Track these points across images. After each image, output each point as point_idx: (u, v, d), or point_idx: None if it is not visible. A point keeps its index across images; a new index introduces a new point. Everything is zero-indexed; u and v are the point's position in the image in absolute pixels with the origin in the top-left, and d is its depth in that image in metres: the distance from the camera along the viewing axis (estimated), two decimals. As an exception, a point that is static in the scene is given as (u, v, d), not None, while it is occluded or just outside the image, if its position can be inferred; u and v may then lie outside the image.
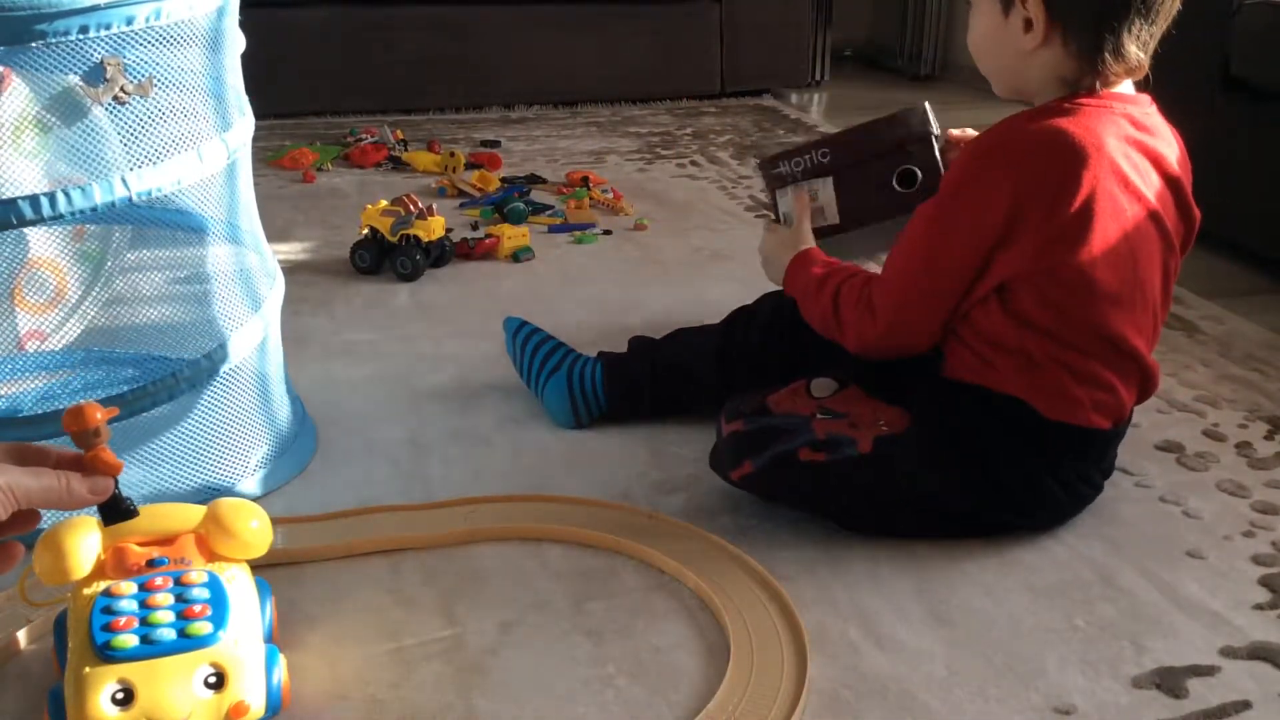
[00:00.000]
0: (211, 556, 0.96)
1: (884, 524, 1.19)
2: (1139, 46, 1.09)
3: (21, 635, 1.02)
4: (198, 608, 0.90)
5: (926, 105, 1.33)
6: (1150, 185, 1.12)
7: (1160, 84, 1.17)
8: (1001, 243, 1.10)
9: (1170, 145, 1.15)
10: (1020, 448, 1.15)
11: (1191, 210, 1.17)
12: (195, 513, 0.97)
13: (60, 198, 1.03)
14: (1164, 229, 1.13)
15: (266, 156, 2.57)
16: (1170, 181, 1.14)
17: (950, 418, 1.17)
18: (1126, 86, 1.14)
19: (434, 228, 1.92)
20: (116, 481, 0.86)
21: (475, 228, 2.14)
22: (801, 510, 1.21)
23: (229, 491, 1.21)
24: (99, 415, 0.83)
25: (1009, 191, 1.08)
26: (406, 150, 2.63)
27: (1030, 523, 1.19)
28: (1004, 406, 1.15)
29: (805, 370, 1.28)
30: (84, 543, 0.90)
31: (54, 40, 1.00)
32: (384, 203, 1.97)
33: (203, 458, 1.22)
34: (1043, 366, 1.13)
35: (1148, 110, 1.14)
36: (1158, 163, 1.13)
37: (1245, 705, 0.97)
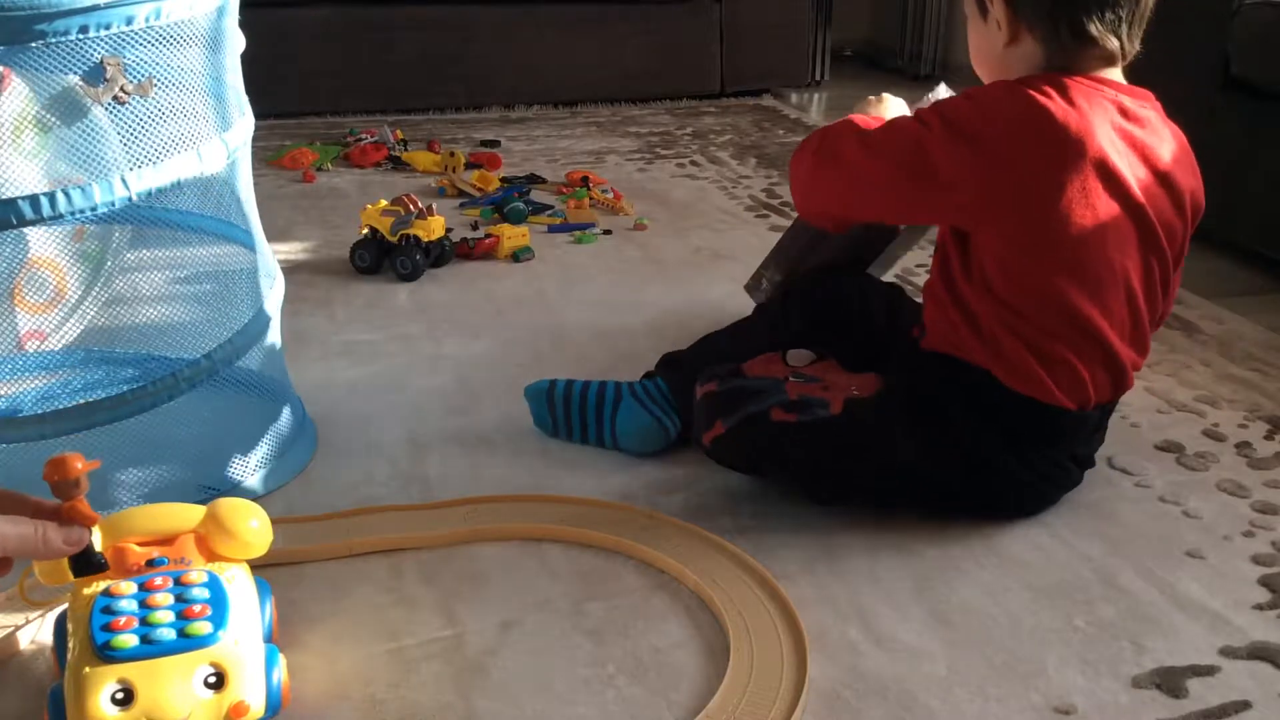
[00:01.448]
0: (211, 556, 0.97)
1: (855, 489, 1.21)
2: (1104, 29, 1.11)
3: (21, 635, 1.02)
4: (198, 608, 0.90)
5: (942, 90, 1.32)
6: (1135, 176, 1.12)
7: (1160, 84, 1.16)
8: (966, 196, 1.12)
9: (1164, 141, 1.15)
10: (980, 416, 1.17)
11: (1185, 206, 1.17)
12: (195, 513, 0.98)
13: (60, 198, 1.03)
14: (1146, 222, 1.13)
15: (266, 156, 2.57)
16: (1160, 176, 1.14)
17: (918, 383, 1.20)
18: (1116, 75, 1.14)
19: (434, 228, 1.92)
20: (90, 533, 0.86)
21: (475, 228, 2.14)
22: (770, 478, 1.23)
23: (229, 491, 1.21)
24: (79, 466, 0.84)
25: (984, 161, 1.10)
26: (406, 150, 2.63)
27: (997, 506, 1.21)
28: (967, 374, 1.17)
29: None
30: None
31: (54, 40, 1.00)
32: (384, 203, 1.97)
33: (203, 458, 1.22)
34: (1002, 338, 1.15)
35: (1143, 104, 1.14)
36: (1145, 156, 1.13)
37: (1245, 705, 0.97)
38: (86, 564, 0.87)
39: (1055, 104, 1.09)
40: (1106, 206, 1.11)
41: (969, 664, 1.01)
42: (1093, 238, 1.11)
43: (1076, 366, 1.15)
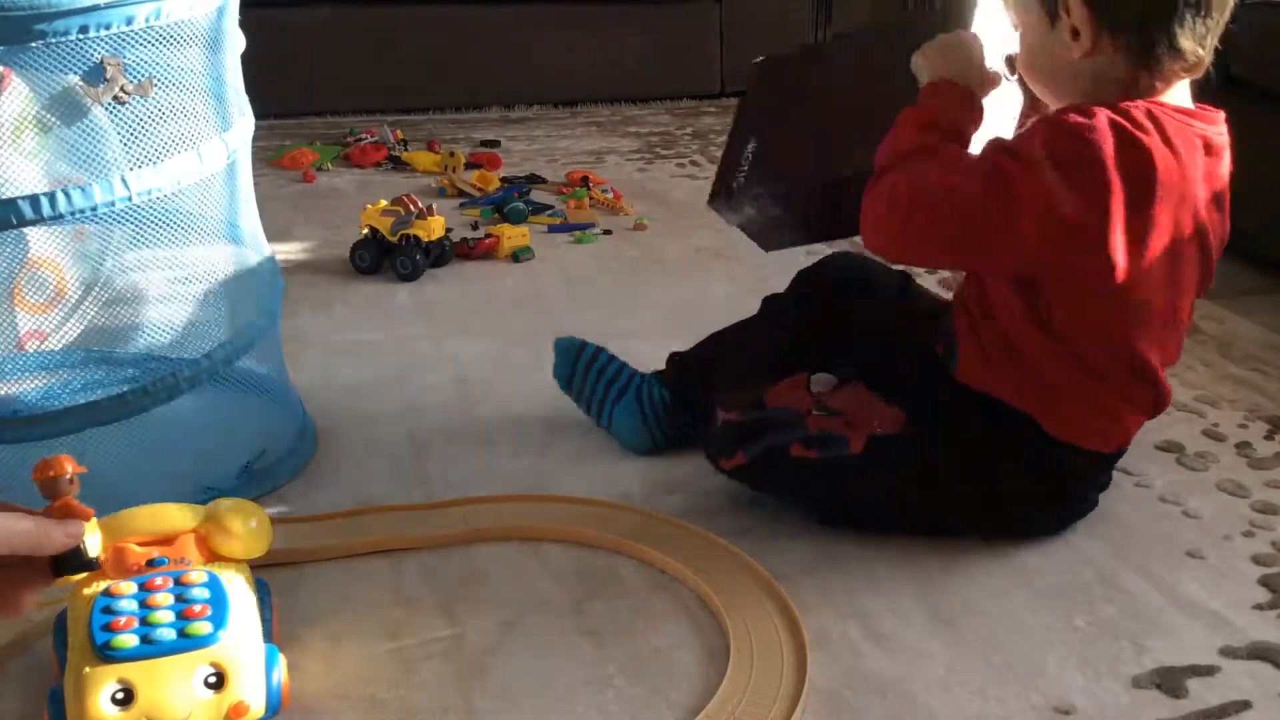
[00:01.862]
0: (211, 556, 0.97)
1: (871, 523, 1.19)
2: (1195, 41, 1.03)
3: (22, 635, 1.02)
4: (197, 608, 0.90)
5: None
6: (1208, 211, 1.09)
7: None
8: (1054, 247, 1.03)
9: (1227, 165, 1.11)
10: (1022, 467, 1.14)
11: (1225, 229, 1.15)
12: (195, 513, 0.98)
13: (60, 198, 1.03)
14: (1207, 254, 1.11)
15: (266, 156, 2.57)
16: (1218, 202, 1.11)
17: (953, 425, 1.16)
18: (1184, 90, 1.08)
19: (434, 228, 1.92)
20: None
21: (475, 228, 2.14)
22: (790, 503, 1.22)
23: (229, 491, 1.21)
24: (69, 468, 0.84)
25: (1086, 210, 1.01)
26: (406, 150, 2.63)
27: (1018, 535, 1.19)
28: (1011, 421, 1.14)
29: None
30: (84, 542, 0.90)
31: (54, 40, 1.00)
32: (384, 203, 1.97)
33: (203, 458, 1.22)
34: (1056, 386, 1.12)
35: (1220, 130, 1.10)
36: (1214, 188, 1.10)
37: (1245, 705, 0.97)
38: (79, 561, 0.87)
39: (1159, 151, 1.01)
40: (1187, 257, 1.08)
41: (969, 664, 1.01)
42: (1168, 288, 1.09)
43: (1126, 416, 1.15)
